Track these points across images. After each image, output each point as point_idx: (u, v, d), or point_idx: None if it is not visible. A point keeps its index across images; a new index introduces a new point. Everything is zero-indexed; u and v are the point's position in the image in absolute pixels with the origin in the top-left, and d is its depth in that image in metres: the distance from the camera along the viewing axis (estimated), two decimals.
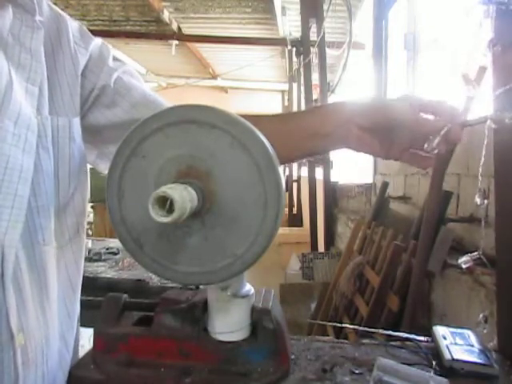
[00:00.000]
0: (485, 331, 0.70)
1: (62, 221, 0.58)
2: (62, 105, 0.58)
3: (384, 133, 0.58)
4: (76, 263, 0.62)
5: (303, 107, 5.02)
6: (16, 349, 0.50)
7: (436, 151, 0.56)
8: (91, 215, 4.96)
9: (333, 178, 4.35)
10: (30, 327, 0.52)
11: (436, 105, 0.57)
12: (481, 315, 0.71)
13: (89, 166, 0.66)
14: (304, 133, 0.63)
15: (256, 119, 0.55)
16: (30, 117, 0.51)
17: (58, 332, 0.59)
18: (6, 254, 0.48)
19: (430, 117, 0.58)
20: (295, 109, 6.53)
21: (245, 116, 0.49)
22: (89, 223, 4.54)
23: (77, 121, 0.59)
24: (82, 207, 0.61)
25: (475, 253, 0.67)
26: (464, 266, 0.67)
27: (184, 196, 0.42)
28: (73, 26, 0.62)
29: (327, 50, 3.96)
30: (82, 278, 0.64)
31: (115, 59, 0.66)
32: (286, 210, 6.47)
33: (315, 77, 4.19)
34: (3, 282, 0.49)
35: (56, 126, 0.55)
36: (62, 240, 0.59)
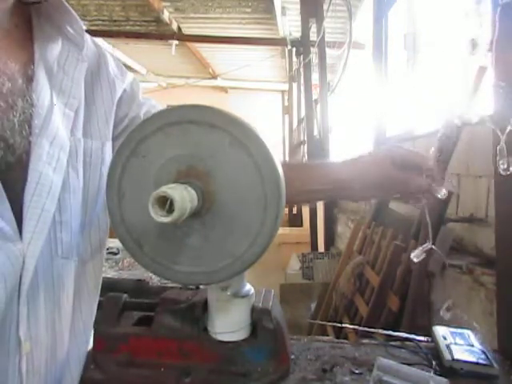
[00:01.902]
0: (446, 318, 0.71)
1: (86, 236, 0.61)
2: (98, 129, 0.62)
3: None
4: (96, 279, 0.64)
5: (303, 107, 5.01)
6: (22, 356, 0.51)
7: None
8: None
9: None
10: (38, 336, 0.53)
11: (416, 160, 0.65)
12: (445, 305, 0.71)
13: None
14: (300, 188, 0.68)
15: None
16: (64, 138, 0.55)
17: (71, 344, 0.60)
18: (26, 263, 0.50)
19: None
20: (295, 109, 6.52)
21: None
22: None
23: (109, 144, 0.63)
24: (104, 225, 0.64)
25: (426, 244, 0.67)
26: (416, 261, 0.67)
27: (184, 196, 0.42)
28: (111, 60, 0.68)
29: (327, 49, 3.96)
30: (99, 294, 0.66)
31: (143, 94, 0.73)
32: (286, 210, 6.46)
33: (315, 77, 4.18)
34: (19, 291, 0.50)
35: (90, 149, 0.59)
36: (85, 255, 0.61)
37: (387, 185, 0.64)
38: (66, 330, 0.58)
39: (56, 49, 0.58)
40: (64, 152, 0.55)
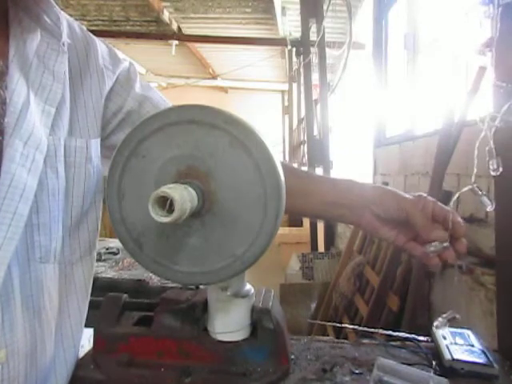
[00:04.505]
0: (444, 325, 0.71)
1: (74, 238, 0.58)
2: (86, 125, 0.59)
3: (394, 222, 0.64)
4: (85, 284, 0.61)
5: (303, 107, 5.01)
6: None
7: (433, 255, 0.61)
8: None
9: None
10: (15, 344, 0.51)
11: (446, 216, 0.61)
12: (448, 314, 0.70)
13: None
14: (322, 199, 0.68)
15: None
16: (40, 137, 0.51)
17: (56, 348, 0.58)
18: None
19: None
20: (295, 109, 6.52)
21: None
22: None
23: (96, 142, 0.60)
24: (94, 225, 0.62)
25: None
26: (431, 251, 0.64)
27: (184, 196, 0.42)
28: (102, 48, 0.64)
29: (327, 49, 3.96)
30: (89, 299, 0.63)
31: (142, 83, 0.68)
32: None
33: (315, 77, 4.18)
34: None
35: (74, 147, 0.56)
36: (73, 257, 0.58)
37: (409, 223, 0.62)
38: (48, 335, 0.56)
39: (35, 41, 0.54)
40: (40, 152, 0.51)
